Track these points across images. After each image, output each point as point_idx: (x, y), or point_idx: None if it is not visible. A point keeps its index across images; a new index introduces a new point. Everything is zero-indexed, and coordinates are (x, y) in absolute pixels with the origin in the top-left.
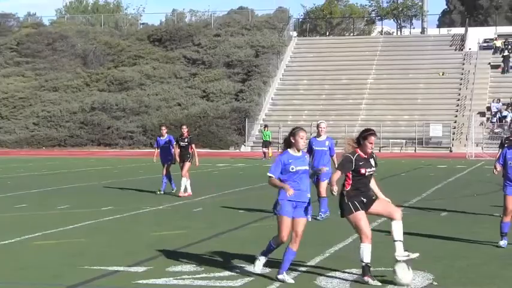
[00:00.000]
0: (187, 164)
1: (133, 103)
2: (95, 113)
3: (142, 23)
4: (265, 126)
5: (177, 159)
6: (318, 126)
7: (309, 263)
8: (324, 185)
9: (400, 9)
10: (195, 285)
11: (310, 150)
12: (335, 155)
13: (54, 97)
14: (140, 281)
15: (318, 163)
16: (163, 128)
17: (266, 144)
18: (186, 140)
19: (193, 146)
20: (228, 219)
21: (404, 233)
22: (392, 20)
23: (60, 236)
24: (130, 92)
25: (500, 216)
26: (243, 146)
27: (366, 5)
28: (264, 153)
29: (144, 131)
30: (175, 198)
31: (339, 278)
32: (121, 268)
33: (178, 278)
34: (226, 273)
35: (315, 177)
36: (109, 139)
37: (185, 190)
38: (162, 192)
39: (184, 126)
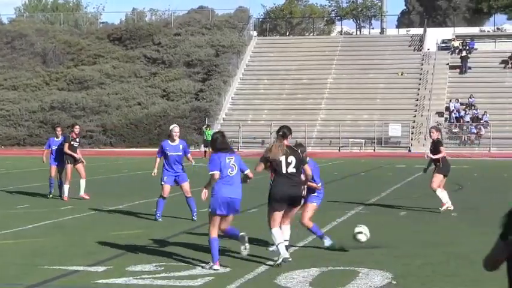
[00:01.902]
0: (81, 165)
1: (93, 102)
2: (54, 112)
3: (102, 22)
4: (207, 126)
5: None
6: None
7: (268, 262)
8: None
9: (360, 9)
10: (155, 284)
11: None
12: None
13: (13, 96)
14: (100, 281)
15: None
16: (59, 128)
17: (208, 143)
18: (78, 140)
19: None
20: (188, 219)
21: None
22: (351, 20)
23: (20, 236)
24: (90, 91)
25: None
26: (202, 145)
27: (325, 5)
28: (205, 152)
29: (104, 130)
30: (135, 198)
31: (300, 277)
32: (81, 268)
33: (138, 277)
34: (187, 272)
35: None
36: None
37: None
38: (51, 196)
39: (77, 126)
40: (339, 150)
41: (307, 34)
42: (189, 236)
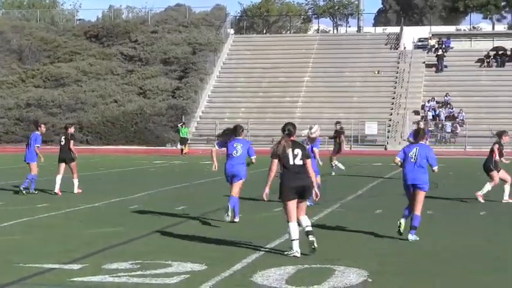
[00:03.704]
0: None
1: (70, 99)
2: (30, 110)
3: (79, 19)
4: (183, 123)
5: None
6: None
7: (244, 260)
8: None
9: (337, 7)
10: (131, 282)
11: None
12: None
13: None
14: (76, 279)
15: None
16: (43, 125)
17: (183, 141)
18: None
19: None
20: (164, 217)
21: (340, 230)
22: (328, 18)
23: None
24: (66, 89)
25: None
26: (178, 143)
27: (302, 3)
28: (181, 150)
29: (81, 128)
30: (111, 196)
31: (276, 275)
32: (56, 265)
33: (114, 275)
34: (162, 270)
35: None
36: (44, 135)
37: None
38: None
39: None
40: None
41: (284, 32)
42: (165, 233)
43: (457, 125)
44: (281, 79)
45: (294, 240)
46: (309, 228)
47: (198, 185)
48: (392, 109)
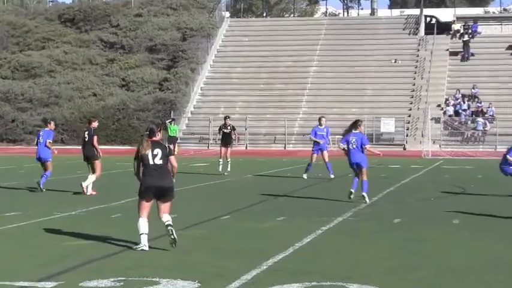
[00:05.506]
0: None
1: (42, 93)
2: None
3: (52, 1)
4: (172, 120)
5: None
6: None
7: (243, 276)
8: None
9: None
10: None
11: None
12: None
13: None
14: None
15: None
16: (52, 122)
17: (172, 140)
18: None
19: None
20: (150, 226)
21: (353, 243)
22: None
23: None
24: (38, 80)
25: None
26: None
27: None
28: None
29: (55, 125)
30: (90, 203)
31: None
32: (27, 283)
33: None
34: None
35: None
36: (13, 134)
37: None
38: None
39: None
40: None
41: (287, 15)
42: (151, 246)
43: (486, 122)
44: (283, 69)
45: (142, 234)
46: (169, 223)
47: (189, 191)
48: (411, 103)
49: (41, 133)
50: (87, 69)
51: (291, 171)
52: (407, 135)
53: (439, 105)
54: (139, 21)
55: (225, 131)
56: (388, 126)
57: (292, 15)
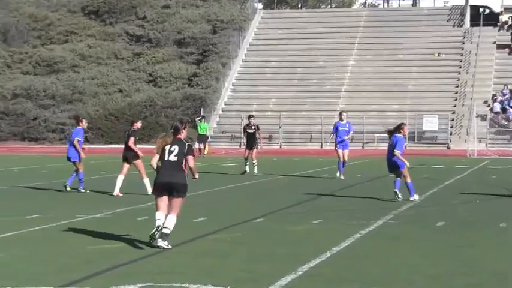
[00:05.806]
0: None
1: (65, 89)
2: (18, 101)
3: None
4: (202, 117)
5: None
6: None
7: (278, 282)
8: None
9: None
10: None
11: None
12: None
13: None
14: None
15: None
16: (84, 120)
17: (202, 139)
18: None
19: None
20: (180, 229)
21: (393, 248)
22: None
23: None
24: (61, 76)
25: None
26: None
27: None
28: (200, 149)
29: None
30: (115, 205)
31: None
32: None
33: None
34: None
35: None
36: (35, 132)
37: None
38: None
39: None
40: (363, 147)
41: (324, 6)
42: (181, 250)
43: None
44: (320, 63)
45: (157, 220)
46: (166, 231)
47: (221, 192)
48: (456, 100)
49: (72, 132)
50: (112, 63)
51: (328, 172)
52: (451, 134)
53: (485, 102)
54: (167, 13)
55: (249, 131)
56: (431, 124)
57: (329, 6)
